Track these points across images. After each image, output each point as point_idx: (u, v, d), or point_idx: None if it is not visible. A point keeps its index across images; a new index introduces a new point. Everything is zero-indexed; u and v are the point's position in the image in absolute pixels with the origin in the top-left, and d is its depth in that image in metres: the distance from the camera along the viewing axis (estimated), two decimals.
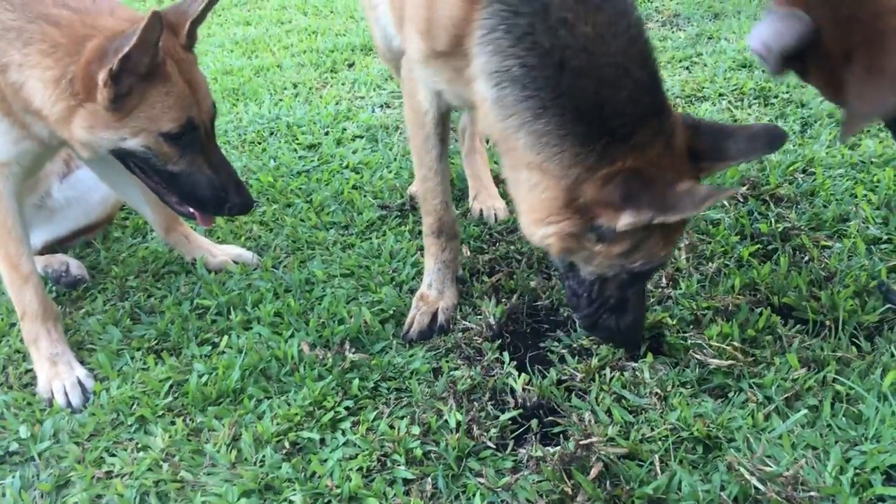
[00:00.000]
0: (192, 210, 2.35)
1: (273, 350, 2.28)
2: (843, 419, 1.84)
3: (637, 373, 2.09)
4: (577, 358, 2.19)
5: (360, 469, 1.88)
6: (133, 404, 2.19)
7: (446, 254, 2.44)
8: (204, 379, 2.21)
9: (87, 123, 2.07)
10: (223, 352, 2.33)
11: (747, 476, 1.68)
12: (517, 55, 1.75)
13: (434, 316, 2.38)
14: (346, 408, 2.08)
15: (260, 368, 2.23)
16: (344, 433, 2.01)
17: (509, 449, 1.93)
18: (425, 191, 2.38)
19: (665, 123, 1.79)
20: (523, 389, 2.08)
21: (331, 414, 2.05)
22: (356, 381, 2.15)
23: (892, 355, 2.01)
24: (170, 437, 2.05)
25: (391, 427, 2.00)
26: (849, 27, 1.70)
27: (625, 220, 1.75)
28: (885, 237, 2.56)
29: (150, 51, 2.00)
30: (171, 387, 2.22)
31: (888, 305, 2.20)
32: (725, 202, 2.84)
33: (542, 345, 2.28)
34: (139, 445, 2.05)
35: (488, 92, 1.82)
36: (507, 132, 1.83)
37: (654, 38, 4.76)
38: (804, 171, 3.03)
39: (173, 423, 2.10)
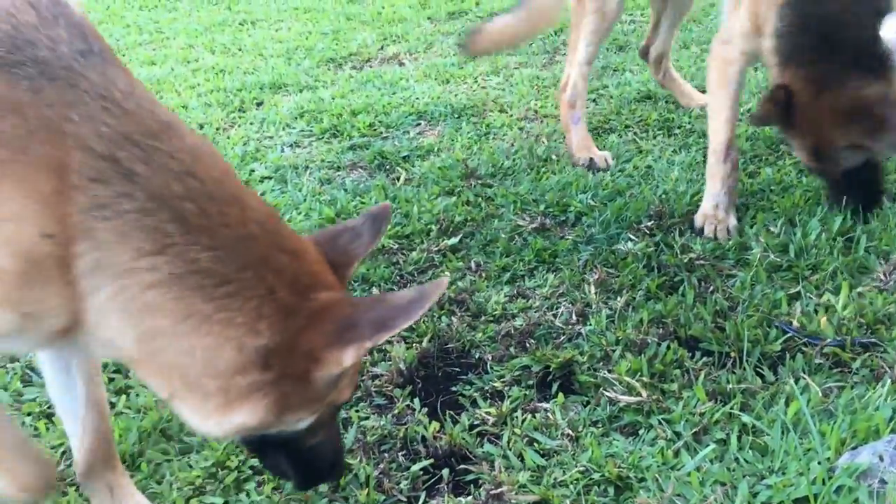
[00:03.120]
0: None
1: None
2: (750, 452, 1.85)
3: (549, 414, 2.07)
4: (488, 401, 2.16)
5: None
6: None
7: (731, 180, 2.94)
8: None
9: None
10: (121, 412, 2.21)
11: None
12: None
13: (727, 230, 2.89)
14: (251, 467, 2.00)
15: (160, 429, 2.13)
16: (248, 494, 1.92)
17: (421, 501, 1.88)
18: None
19: None
20: (434, 437, 2.04)
21: (235, 474, 1.96)
22: None
23: (796, 383, 2.05)
24: None
25: None
26: None
27: None
28: (786, 264, 2.63)
29: None
30: (63, 454, 2.09)
31: (788, 334, 2.25)
32: (632, 236, 2.87)
33: (453, 389, 2.24)
34: None
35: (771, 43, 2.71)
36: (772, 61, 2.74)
37: (562, 71, 4.83)
38: None
39: (65, 493, 1.97)
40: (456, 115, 4.30)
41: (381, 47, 5.82)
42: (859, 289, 2.45)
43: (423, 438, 2.04)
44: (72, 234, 1.39)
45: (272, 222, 1.54)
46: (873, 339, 2.20)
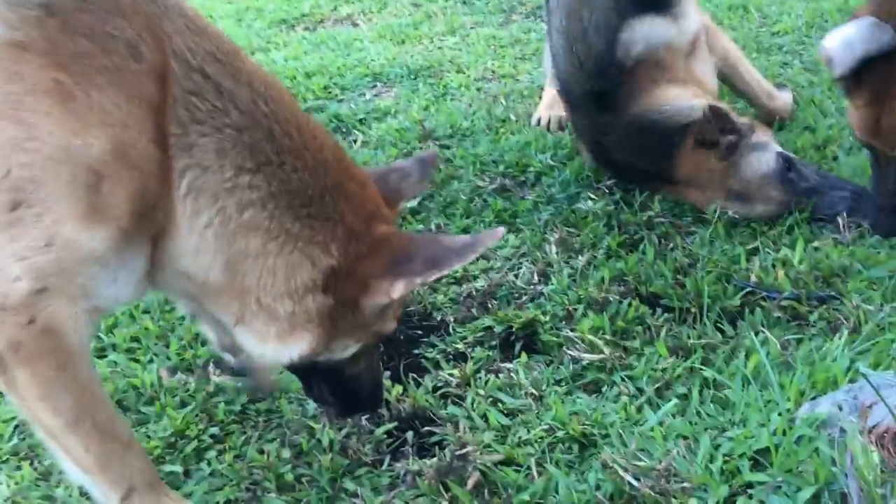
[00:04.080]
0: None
1: (130, 379, 2.14)
2: (712, 406, 1.87)
3: (512, 374, 2.07)
4: (451, 363, 2.15)
5: (228, 501, 1.78)
6: None
7: None
8: None
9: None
10: None
11: (621, 473, 1.67)
12: None
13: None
14: (212, 435, 1.97)
15: (116, 400, 2.08)
16: (209, 463, 1.89)
17: (386, 464, 1.86)
18: None
19: None
20: (398, 400, 2.02)
21: (195, 443, 1.93)
22: (222, 406, 2.03)
23: (755, 337, 2.06)
24: (16, 483, 1.88)
25: (261, 452, 1.89)
26: None
27: None
28: (743, 221, 2.64)
29: None
30: (16, 428, 2.04)
31: (747, 289, 2.26)
32: (592, 195, 2.86)
33: (416, 351, 2.23)
34: None
35: None
36: None
37: (519, 30, 4.79)
38: None
39: (19, 467, 1.92)
40: (412, 76, 4.23)
41: (334, 8, 5.70)
42: (815, 243, 2.47)
43: (387, 402, 2.02)
44: (173, 149, 1.37)
45: (340, 151, 1.58)
46: (830, 292, 2.23)
